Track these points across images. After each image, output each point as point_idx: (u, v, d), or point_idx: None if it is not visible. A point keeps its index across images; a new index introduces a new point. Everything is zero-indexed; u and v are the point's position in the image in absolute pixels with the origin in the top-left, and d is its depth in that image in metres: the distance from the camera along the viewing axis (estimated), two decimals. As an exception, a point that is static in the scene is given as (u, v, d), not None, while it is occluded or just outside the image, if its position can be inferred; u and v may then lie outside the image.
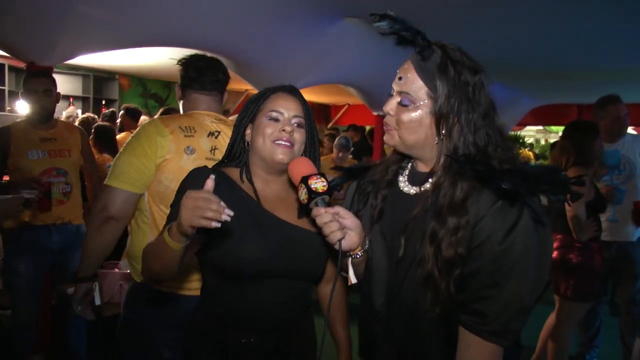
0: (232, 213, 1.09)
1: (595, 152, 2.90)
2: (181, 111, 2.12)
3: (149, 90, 8.90)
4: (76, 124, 4.27)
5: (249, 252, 1.34)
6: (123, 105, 6.01)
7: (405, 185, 1.23)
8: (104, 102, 7.84)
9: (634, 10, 3.85)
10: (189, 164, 1.82)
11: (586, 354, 3.63)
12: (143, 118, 5.65)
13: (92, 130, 4.30)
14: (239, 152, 1.49)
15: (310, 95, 10.75)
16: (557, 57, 5.58)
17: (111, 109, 6.41)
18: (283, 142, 1.39)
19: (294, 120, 1.43)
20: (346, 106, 13.03)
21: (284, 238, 1.39)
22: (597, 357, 3.67)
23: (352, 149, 5.41)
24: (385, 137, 1.23)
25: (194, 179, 1.39)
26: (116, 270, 2.70)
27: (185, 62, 2.07)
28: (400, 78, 1.16)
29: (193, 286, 1.80)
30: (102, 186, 1.92)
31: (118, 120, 5.65)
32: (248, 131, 1.47)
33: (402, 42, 1.14)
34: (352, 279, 1.18)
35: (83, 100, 7.66)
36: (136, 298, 1.90)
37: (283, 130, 1.39)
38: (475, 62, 1.14)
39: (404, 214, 1.17)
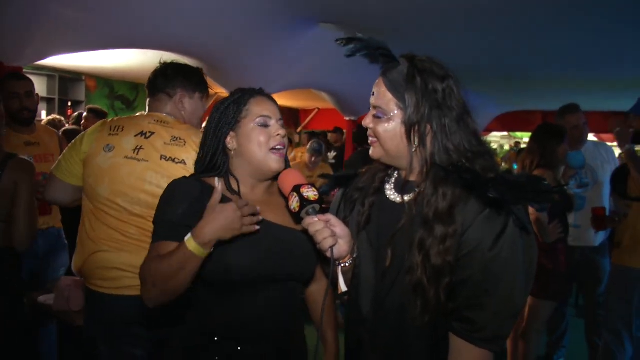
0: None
1: (559, 155, 2.98)
2: None
3: (116, 91, 8.73)
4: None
5: (240, 259, 1.31)
6: (87, 107, 5.85)
7: (392, 194, 1.25)
8: (69, 104, 7.64)
9: (598, 23, 4.02)
10: (106, 161, 1.87)
11: (554, 354, 3.74)
12: (112, 121, 5.53)
13: (61, 134, 4.17)
14: (221, 162, 1.42)
15: (279, 99, 10.60)
16: (523, 65, 5.75)
17: (78, 112, 6.25)
18: (280, 148, 1.40)
19: (280, 123, 1.43)
20: (316, 110, 13.07)
21: (274, 241, 1.38)
22: (564, 357, 3.79)
23: (333, 153, 5.42)
24: (370, 152, 1.26)
25: (179, 193, 1.36)
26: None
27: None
28: (373, 93, 1.21)
29: (107, 285, 1.87)
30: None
31: (82, 122, 5.50)
32: (229, 139, 1.41)
33: (373, 60, 1.20)
34: (342, 287, 1.18)
35: (48, 102, 7.43)
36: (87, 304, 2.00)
37: (278, 135, 1.40)
38: (445, 68, 1.17)
39: (391, 222, 1.19)
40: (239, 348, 1.35)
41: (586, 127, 3.51)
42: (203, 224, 1.21)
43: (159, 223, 1.35)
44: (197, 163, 1.48)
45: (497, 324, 1.08)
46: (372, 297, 1.23)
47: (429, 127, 1.13)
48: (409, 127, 1.14)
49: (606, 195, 3.52)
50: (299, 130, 12.91)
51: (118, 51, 5.55)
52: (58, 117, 5.15)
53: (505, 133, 14.31)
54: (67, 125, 4.66)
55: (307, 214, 1.19)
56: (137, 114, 2.06)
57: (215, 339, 1.36)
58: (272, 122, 1.41)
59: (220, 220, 1.21)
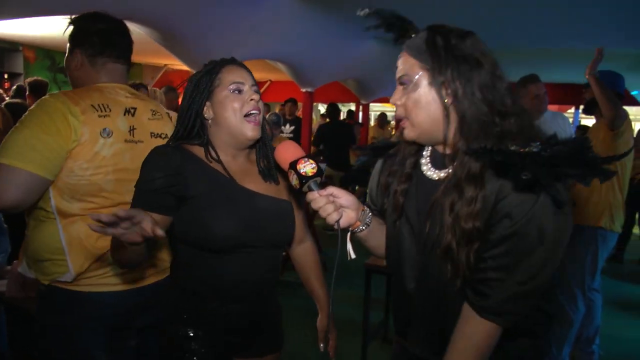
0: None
1: None
2: (72, 82, 1.77)
3: (58, 63, 8.22)
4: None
5: (224, 227, 1.37)
6: (26, 80, 5.48)
7: (428, 169, 1.21)
8: (6, 77, 7.17)
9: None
10: (106, 149, 1.59)
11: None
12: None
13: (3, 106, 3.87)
14: (198, 132, 1.46)
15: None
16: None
17: (17, 84, 5.84)
18: (254, 112, 1.42)
19: (253, 89, 1.45)
20: (268, 82, 12.87)
21: (257, 210, 1.44)
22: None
23: (289, 126, 5.33)
24: (404, 134, 1.18)
25: (158, 162, 1.37)
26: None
27: (90, 21, 1.71)
28: (396, 67, 1.17)
29: (113, 281, 1.66)
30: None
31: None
32: (205, 109, 1.44)
33: (397, 36, 1.20)
34: (352, 254, 1.21)
35: (-18, 74, 6.95)
36: (52, 303, 1.66)
37: (252, 100, 1.42)
38: (463, 29, 1.13)
39: (429, 198, 1.16)
40: (222, 306, 1.44)
41: (546, 96, 3.59)
42: None
43: (137, 191, 1.38)
44: (176, 133, 1.49)
45: (507, 300, 1.05)
46: (416, 274, 1.22)
47: (457, 82, 1.08)
48: (439, 85, 1.09)
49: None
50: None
51: (59, 19, 5.20)
52: (-4, 89, 4.80)
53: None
54: (7, 99, 4.34)
55: (309, 188, 1.19)
56: (98, 87, 1.69)
57: (196, 297, 1.45)
58: (245, 88, 1.43)
59: None
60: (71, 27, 1.73)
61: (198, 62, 4.84)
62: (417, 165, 1.24)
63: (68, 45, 1.73)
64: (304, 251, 1.70)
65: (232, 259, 1.42)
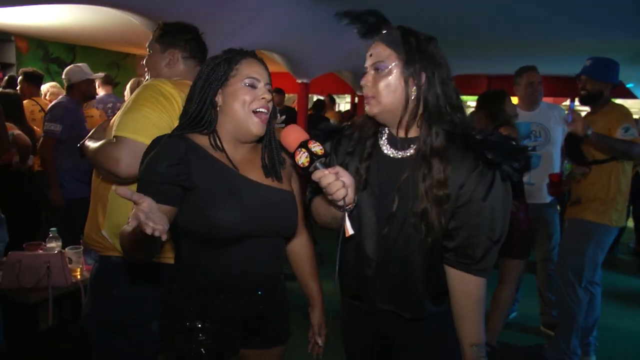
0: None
1: (509, 111, 3.07)
2: (156, 76, 1.92)
3: (51, 53, 8.13)
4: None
5: (227, 218, 1.37)
6: (21, 70, 5.41)
7: (387, 150, 1.40)
8: (-1, 67, 7.07)
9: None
10: None
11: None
12: (52, 84, 5.16)
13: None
14: (208, 119, 1.44)
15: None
16: (470, 28, 5.77)
17: (9, 75, 5.78)
18: (262, 110, 1.43)
19: (267, 87, 1.46)
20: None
21: (261, 200, 1.44)
22: (517, 310, 3.96)
23: (280, 116, 5.33)
24: (366, 109, 1.38)
25: (162, 152, 1.36)
26: (40, 251, 2.46)
27: (183, 29, 1.94)
28: (370, 55, 1.36)
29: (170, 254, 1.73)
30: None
31: (18, 87, 5.11)
32: (217, 96, 1.44)
33: (367, 30, 1.39)
34: (350, 231, 1.27)
35: (-27, 64, 6.85)
36: (125, 275, 1.76)
37: (263, 98, 1.43)
38: (428, 34, 1.35)
39: (393, 174, 1.36)
40: (226, 299, 1.45)
41: (541, 86, 3.59)
42: None
43: (141, 182, 1.36)
44: (182, 117, 1.48)
45: (488, 257, 1.34)
46: (376, 240, 1.40)
47: (424, 74, 1.30)
48: (408, 75, 1.30)
49: (557, 154, 3.65)
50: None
51: (52, 8, 5.14)
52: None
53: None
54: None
55: (316, 168, 1.25)
56: (185, 82, 1.80)
57: (200, 291, 1.45)
58: (260, 85, 1.44)
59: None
60: (161, 31, 1.94)
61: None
62: (375, 145, 1.42)
63: (157, 45, 1.92)
64: (300, 245, 1.71)
65: (236, 250, 1.42)
